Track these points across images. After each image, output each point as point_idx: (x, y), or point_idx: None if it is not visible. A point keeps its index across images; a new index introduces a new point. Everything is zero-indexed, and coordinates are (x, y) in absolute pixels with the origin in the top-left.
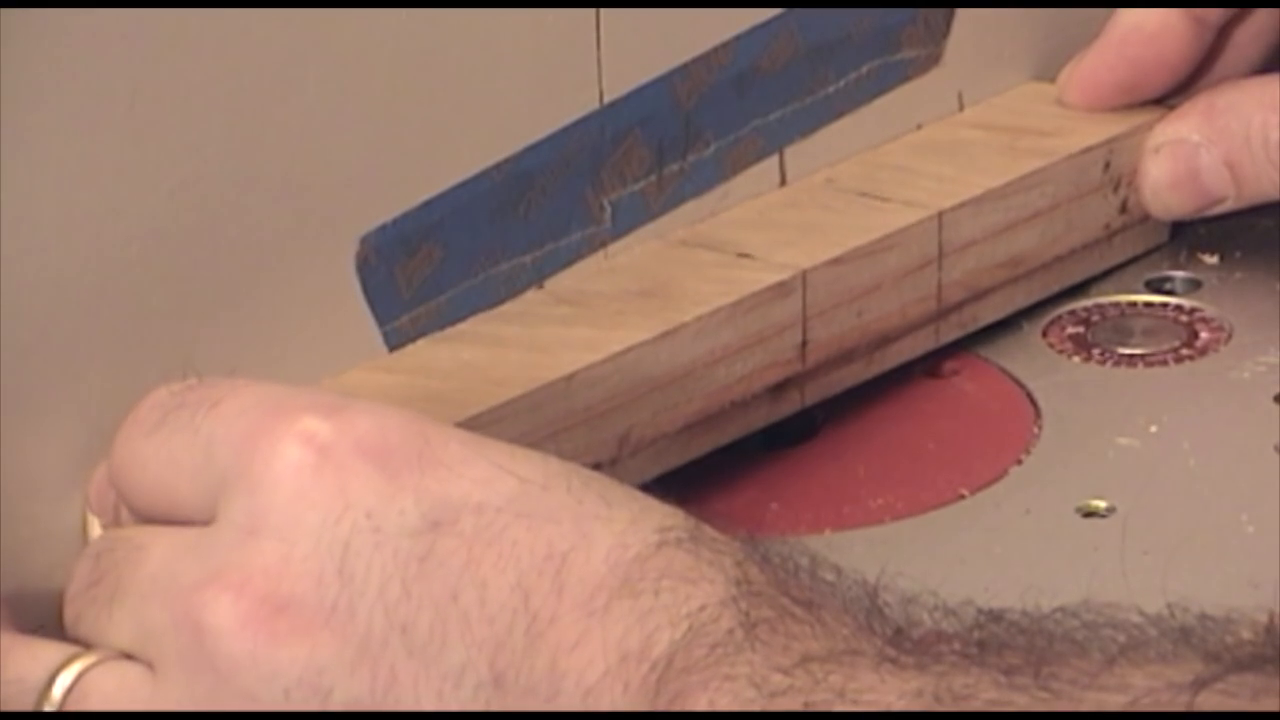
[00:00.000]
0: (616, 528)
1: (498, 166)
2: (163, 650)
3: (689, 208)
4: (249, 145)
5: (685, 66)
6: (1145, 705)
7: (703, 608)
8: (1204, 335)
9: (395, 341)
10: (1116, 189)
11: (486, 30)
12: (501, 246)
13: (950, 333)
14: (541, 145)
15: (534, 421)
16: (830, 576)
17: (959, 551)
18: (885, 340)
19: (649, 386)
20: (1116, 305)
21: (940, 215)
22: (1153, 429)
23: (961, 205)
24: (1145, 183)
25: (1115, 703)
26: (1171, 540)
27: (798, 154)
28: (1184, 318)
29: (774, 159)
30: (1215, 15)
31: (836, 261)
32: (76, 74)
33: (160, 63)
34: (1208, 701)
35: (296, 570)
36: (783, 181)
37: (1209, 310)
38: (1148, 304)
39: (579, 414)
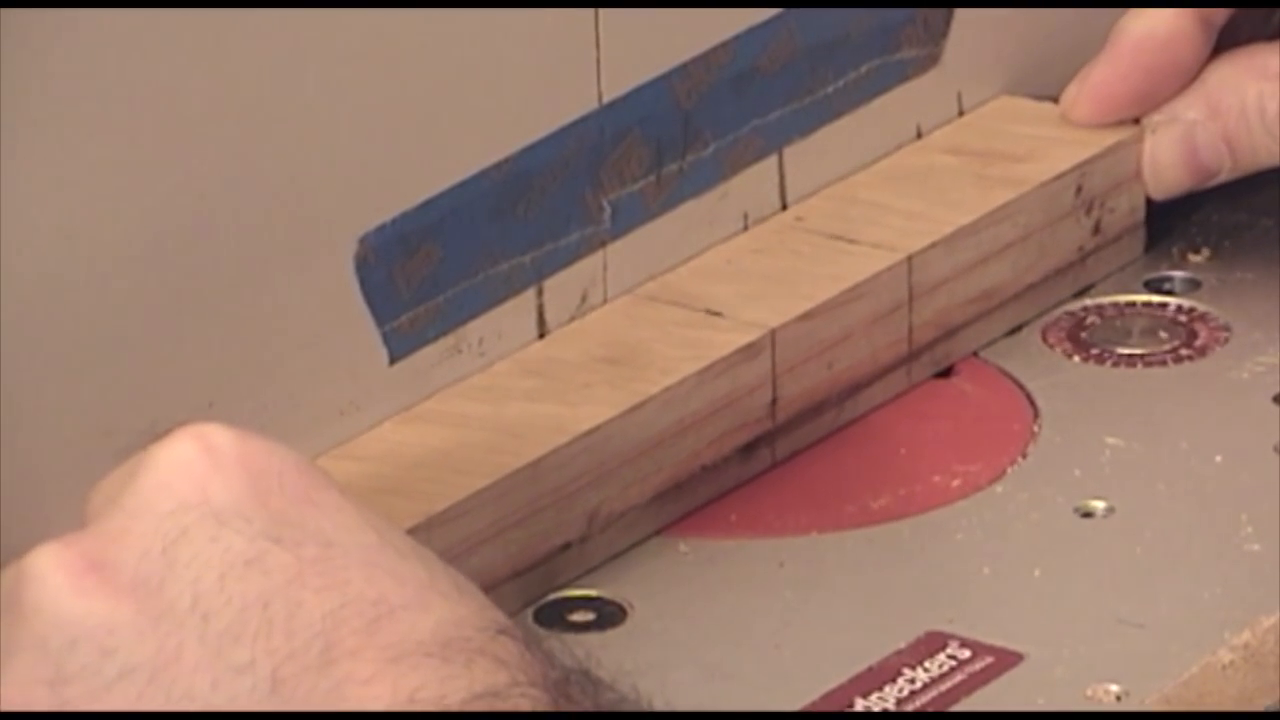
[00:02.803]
0: (459, 610)
1: (497, 166)
2: None
3: (688, 208)
4: (249, 145)
5: (684, 66)
6: None
7: (514, 684)
8: (1203, 335)
9: (394, 342)
10: (1089, 211)
11: (486, 30)
12: (500, 246)
13: (923, 372)
14: (540, 145)
15: (500, 510)
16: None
17: (959, 551)
18: (856, 388)
19: (618, 462)
20: (1115, 305)
21: (910, 258)
22: (1151, 429)
23: (932, 245)
24: (1144, 163)
25: None
26: (1170, 541)
27: (797, 154)
28: (1183, 318)
29: (773, 159)
30: (1220, 16)
31: (806, 316)
32: (76, 74)
33: (160, 63)
34: None
35: (127, 541)
36: (781, 181)
37: (1208, 310)
38: (1146, 304)
39: (547, 497)
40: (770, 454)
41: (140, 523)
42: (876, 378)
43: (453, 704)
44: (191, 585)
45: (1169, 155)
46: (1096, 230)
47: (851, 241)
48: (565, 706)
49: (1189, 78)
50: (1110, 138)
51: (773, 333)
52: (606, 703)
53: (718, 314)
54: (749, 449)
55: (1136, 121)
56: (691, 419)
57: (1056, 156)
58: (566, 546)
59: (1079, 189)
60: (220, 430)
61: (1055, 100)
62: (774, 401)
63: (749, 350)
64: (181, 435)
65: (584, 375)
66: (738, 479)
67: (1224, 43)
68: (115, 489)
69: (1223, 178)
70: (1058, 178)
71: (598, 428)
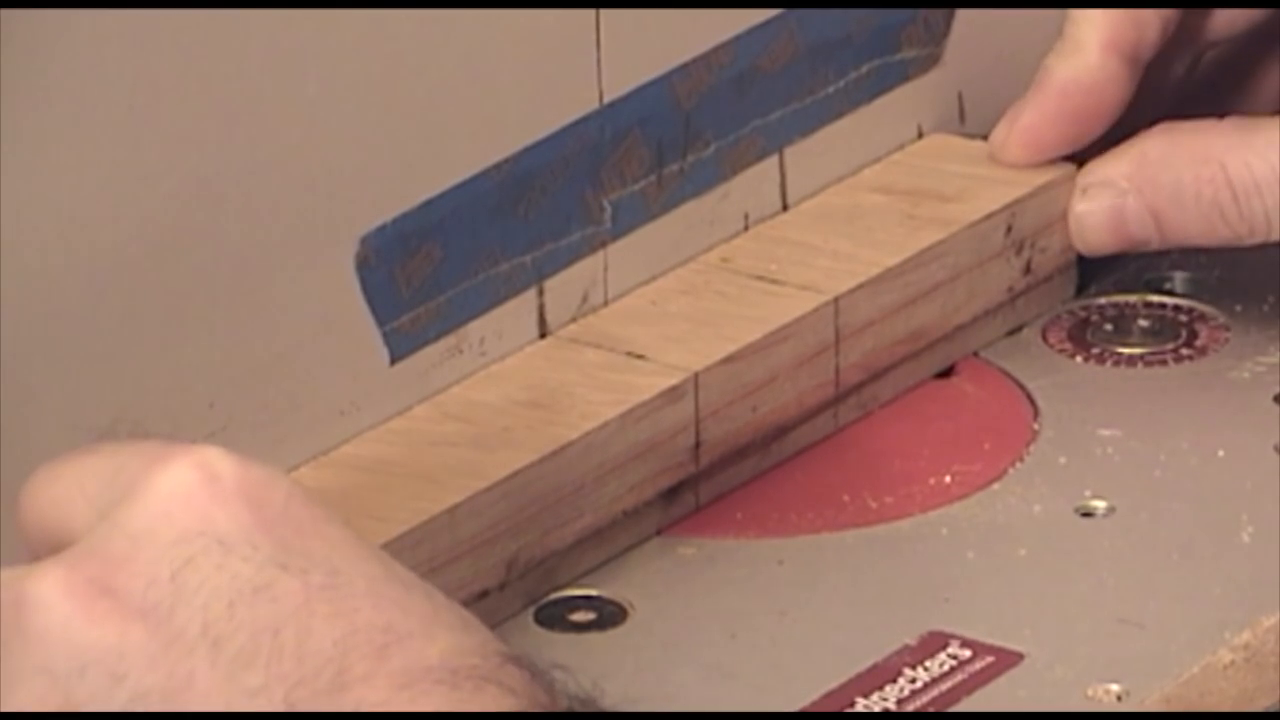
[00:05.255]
0: (464, 640)
1: (497, 166)
2: None
3: (688, 208)
4: (248, 145)
5: (685, 66)
6: None
7: (525, 714)
8: (1204, 335)
9: (395, 342)
10: (1019, 251)
11: (486, 30)
12: (501, 246)
13: (849, 414)
14: (541, 145)
15: (417, 557)
16: None
17: (959, 551)
18: (782, 431)
19: (537, 508)
20: (1116, 305)
21: (837, 300)
22: (1152, 429)
23: (859, 287)
24: (1071, 220)
25: None
26: (1171, 540)
27: (797, 154)
28: (1184, 317)
29: (774, 159)
30: (1149, 49)
31: (729, 359)
32: (76, 74)
33: (160, 63)
34: None
35: (134, 569)
36: (782, 181)
37: (1209, 310)
38: (1147, 303)
39: (464, 544)
40: (694, 498)
41: (144, 550)
42: (802, 420)
43: None
44: (201, 611)
45: (1097, 220)
46: (1027, 270)
47: (777, 283)
48: None
49: (1115, 116)
50: (1041, 177)
51: (696, 376)
52: None
53: (640, 357)
54: (672, 493)
55: (1069, 159)
56: (613, 464)
57: (986, 196)
58: (484, 594)
59: (1009, 229)
60: (221, 457)
61: (984, 138)
62: (697, 445)
63: (672, 394)
64: (181, 461)
65: (504, 419)
66: (659, 523)
67: (1150, 82)
68: (97, 494)
69: (1151, 248)
70: (987, 217)
71: (517, 473)
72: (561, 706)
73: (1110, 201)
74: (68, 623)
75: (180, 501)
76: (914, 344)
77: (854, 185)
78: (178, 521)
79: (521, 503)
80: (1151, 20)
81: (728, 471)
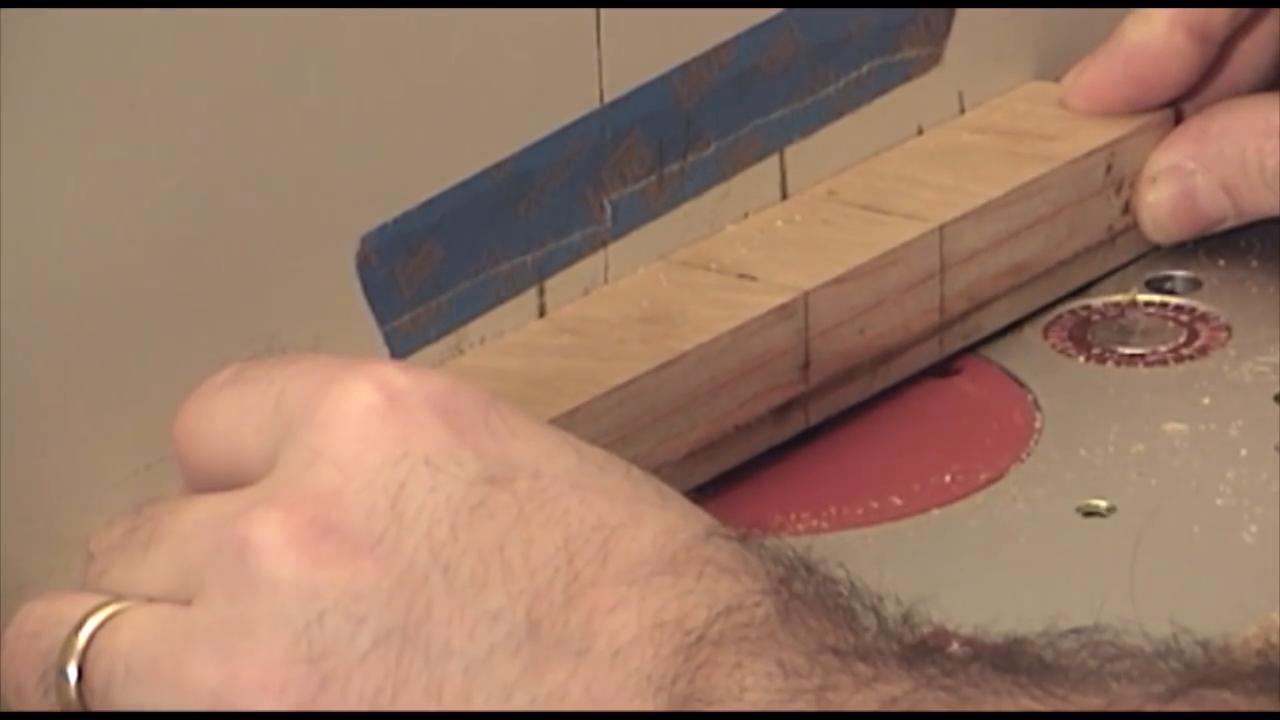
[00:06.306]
0: (668, 516)
1: (498, 166)
2: (202, 580)
3: (689, 207)
4: (249, 145)
5: (685, 66)
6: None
7: (746, 592)
8: (1204, 335)
9: (396, 342)
10: (1119, 191)
11: (486, 30)
12: (501, 246)
13: (954, 343)
14: (541, 145)
15: None
16: (869, 600)
17: (959, 551)
18: (889, 355)
19: (651, 417)
20: (1116, 305)
21: (942, 228)
22: (1153, 428)
23: (963, 216)
24: (1144, 211)
25: (1092, 704)
26: (1171, 540)
27: (798, 154)
28: (1184, 317)
29: (774, 159)
30: (1219, 29)
31: (838, 281)
32: (76, 74)
33: (160, 63)
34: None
35: (349, 500)
36: (783, 181)
37: (1209, 310)
38: (1148, 304)
39: None
40: (804, 417)
41: (354, 478)
42: (909, 346)
43: (697, 623)
44: (426, 539)
45: (1169, 206)
46: (1126, 210)
47: (884, 212)
48: (791, 604)
49: (1180, 88)
50: (1141, 119)
51: (805, 295)
52: (825, 589)
53: (751, 278)
54: (782, 411)
55: (1171, 105)
56: (725, 377)
57: (1087, 135)
58: None
59: (1109, 167)
60: (397, 373)
61: None
62: (807, 365)
63: (782, 311)
64: (358, 381)
65: (619, 333)
66: (770, 440)
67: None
68: (263, 422)
69: (1228, 224)
70: (1088, 155)
71: (632, 381)
72: (778, 574)
73: (1180, 185)
74: (296, 571)
75: (374, 422)
76: (1017, 277)
77: (954, 127)
78: (377, 444)
79: (637, 411)
80: (1220, 10)
81: (836, 393)
